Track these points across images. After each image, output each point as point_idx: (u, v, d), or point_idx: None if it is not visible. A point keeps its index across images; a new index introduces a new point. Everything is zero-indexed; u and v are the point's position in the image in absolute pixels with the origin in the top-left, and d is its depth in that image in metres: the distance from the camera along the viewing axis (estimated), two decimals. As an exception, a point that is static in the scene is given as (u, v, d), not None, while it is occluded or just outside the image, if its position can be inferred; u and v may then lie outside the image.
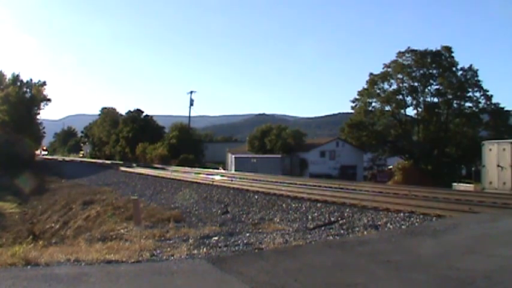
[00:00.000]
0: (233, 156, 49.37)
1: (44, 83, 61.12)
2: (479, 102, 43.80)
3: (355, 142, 47.92)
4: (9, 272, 5.51)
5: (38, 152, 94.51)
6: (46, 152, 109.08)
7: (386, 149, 47.93)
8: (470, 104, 44.31)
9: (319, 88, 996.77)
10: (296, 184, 21.06)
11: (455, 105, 44.77)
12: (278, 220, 12.29)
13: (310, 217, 12.21)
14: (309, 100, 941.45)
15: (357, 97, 48.22)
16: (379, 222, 10.43)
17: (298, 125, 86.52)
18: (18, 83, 58.89)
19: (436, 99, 45.59)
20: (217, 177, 26.01)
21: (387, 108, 46.93)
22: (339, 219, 11.45)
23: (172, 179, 26.23)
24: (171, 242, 8.83)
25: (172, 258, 6.67)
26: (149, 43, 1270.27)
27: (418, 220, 10.34)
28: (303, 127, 72.50)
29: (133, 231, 11.42)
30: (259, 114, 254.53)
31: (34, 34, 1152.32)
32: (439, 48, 44.99)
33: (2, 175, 38.43)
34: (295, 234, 9.39)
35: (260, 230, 10.48)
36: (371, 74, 47.18)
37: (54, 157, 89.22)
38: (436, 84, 45.32)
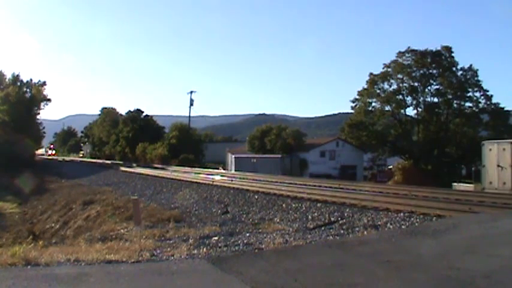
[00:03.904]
0: (233, 156, 49.38)
1: (44, 83, 61.19)
2: (479, 102, 43.76)
3: (355, 142, 47.91)
4: (9, 272, 5.51)
5: (41, 151, 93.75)
6: (54, 151, 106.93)
7: (386, 149, 47.90)
8: (470, 104, 44.29)
9: (319, 88, 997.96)
10: (296, 184, 21.05)
11: (455, 105, 44.70)
12: (278, 220, 12.28)
13: (310, 217, 12.20)
14: (309, 100, 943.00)
15: (357, 97, 48.20)
16: (379, 222, 10.43)
17: (298, 125, 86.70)
18: (18, 83, 58.84)
19: (436, 99, 45.55)
20: (217, 177, 26.00)
21: (387, 108, 46.89)
22: (339, 219, 11.45)
23: (172, 179, 26.23)
24: (171, 242, 8.82)
25: (172, 258, 6.67)
26: (149, 43, 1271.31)
27: (418, 220, 10.32)
28: (303, 127, 72.65)
29: (133, 231, 11.42)
30: (259, 114, 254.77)
31: (34, 34, 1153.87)
32: (439, 48, 44.97)
33: (2, 175, 38.39)
34: (295, 234, 9.39)
35: (260, 230, 10.47)
36: (371, 74, 47.18)
37: (54, 157, 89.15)
38: (436, 84, 45.29)
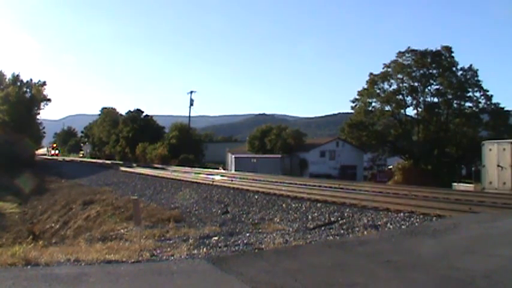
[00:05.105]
0: (233, 156, 49.38)
1: (44, 83, 61.07)
2: (479, 102, 43.83)
3: (355, 142, 47.93)
4: (9, 272, 5.51)
5: (43, 151, 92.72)
6: (57, 151, 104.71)
7: (386, 149, 47.93)
8: (470, 104, 44.36)
9: (319, 88, 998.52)
10: (296, 184, 21.04)
11: (455, 105, 44.75)
12: (278, 220, 12.28)
13: (310, 217, 12.20)
14: (309, 100, 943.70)
15: (357, 97, 48.24)
16: (379, 222, 10.42)
17: (298, 125, 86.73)
18: (18, 83, 58.77)
19: (436, 99, 45.61)
20: (217, 177, 25.99)
21: (387, 108, 46.92)
22: (339, 219, 11.45)
23: (172, 179, 26.22)
24: (171, 242, 8.83)
25: (172, 258, 6.66)
26: (149, 43, 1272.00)
27: (418, 220, 10.32)
28: (303, 127, 72.69)
29: (133, 231, 11.42)
30: (259, 114, 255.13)
31: (34, 34, 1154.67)
32: (439, 48, 45.02)
33: (2, 175, 38.36)
34: (295, 234, 9.38)
35: (260, 230, 10.47)
36: (371, 74, 47.23)
37: (56, 157, 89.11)
38: (436, 84, 45.33)
